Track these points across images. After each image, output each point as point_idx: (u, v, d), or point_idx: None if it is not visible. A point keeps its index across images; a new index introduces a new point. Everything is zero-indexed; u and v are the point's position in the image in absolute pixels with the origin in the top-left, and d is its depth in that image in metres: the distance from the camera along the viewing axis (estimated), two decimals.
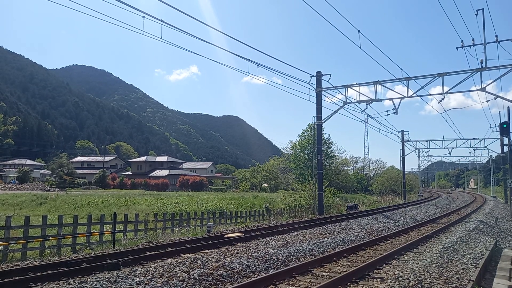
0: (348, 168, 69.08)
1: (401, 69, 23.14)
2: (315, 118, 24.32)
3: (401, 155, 48.11)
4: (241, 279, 7.57)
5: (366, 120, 35.78)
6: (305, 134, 48.40)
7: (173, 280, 7.00)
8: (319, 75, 24.13)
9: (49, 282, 7.07)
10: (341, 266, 8.90)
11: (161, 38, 13.92)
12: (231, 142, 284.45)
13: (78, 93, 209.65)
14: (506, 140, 35.84)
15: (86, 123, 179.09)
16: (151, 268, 7.81)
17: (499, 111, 48.50)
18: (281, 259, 9.18)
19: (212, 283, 7.11)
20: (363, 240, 12.62)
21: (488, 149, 62.31)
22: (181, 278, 7.13)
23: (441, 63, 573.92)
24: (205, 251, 10.58)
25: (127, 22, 13.13)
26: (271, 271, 8.18)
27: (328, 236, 13.36)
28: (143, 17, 12.84)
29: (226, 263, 8.27)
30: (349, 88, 23.64)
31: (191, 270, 7.66)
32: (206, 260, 8.68)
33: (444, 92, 21.16)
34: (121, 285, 6.66)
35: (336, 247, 11.27)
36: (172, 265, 8.08)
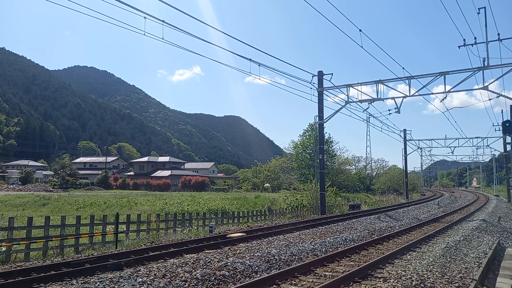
0: (350, 168, 69.08)
1: (403, 68, 23.19)
2: (317, 117, 24.30)
3: (403, 154, 48.02)
4: (244, 279, 7.57)
5: (368, 120, 35.83)
6: (307, 134, 48.37)
7: (175, 280, 7.01)
8: (320, 75, 24.11)
9: (52, 283, 7.09)
10: (344, 266, 8.89)
11: (163, 39, 13.94)
12: (233, 142, 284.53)
13: (80, 94, 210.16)
14: (508, 139, 35.76)
15: (88, 124, 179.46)
16: (153, 269, 7.82)
17: (502, 110, 48.46)
18: (284, 259, 9.18)
19: (215, 283, 7.11)
20: (366, 240, 12.60)
21: (490, 147, 61.90)
22: (183, 278, 7.13)
23: (443, 62, 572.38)
24: (208, 251, 10.59)
25: (128, 22, 13.16)
26: (273, 271, 8.18)
27: (330, 235, 13.34)
28: (145, 17, 12.86)
29: (229, 263, 8.27)
30: (351, 88, 23.58)
31: (193, 270, 7.67)
32: (209, 260, 8.68)
33: (446, 91, 21.10)
34: (124, 285, 6.67)
35: (338, 247, 11.26)
36: (174, 265, 8.09)
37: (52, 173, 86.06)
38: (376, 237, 12.98)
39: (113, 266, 8.39)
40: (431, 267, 8.46)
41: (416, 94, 22.14)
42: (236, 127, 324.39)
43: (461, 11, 18.81)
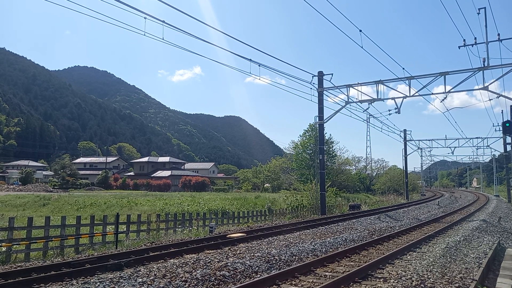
0: (350, 168, 69.04)
1: (403, 68, 23.20)
2: (317, 118, 24.30)
3: (404, 154, 48.03)
4: (244, 279, 7.57)
5: (368, 120, 35.89)
6: (307, 134, 48.39)
7: (175, 280, 7.01)
8: (320, 75, 24.12)
9: (52, 283, 7.09)
10: (344, 266, 8.89)
11: (163, 39, 13.95)
12: (233, 142, 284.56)
13: (80, 94, 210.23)
14: (508, 139, 35.68)
15: (88, 124, 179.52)
16: (154, 269, 7.82)
17: (502, 110, 48.49)
18: (284, 259, 9.18)
19: (215, 284, 7.11)
20: (366, 240, 12.60)
21: (491, 148, 62.04)
22: (183, 278, 7.14)
23: (443, 62, 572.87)
24: (208, 251, 10.59)
25: (128, 23, 13.16)
26: (273, 271, 8.18)
27: (330, 236, 13.34)
28: (145, 18, 12.88)
29: (229, 264, 8.27)
30: (351, 88, 23.58)
31: (193, 271, 7.67)
32: (209, 260, 8.69)
33: (447, 91, 21.10)
34: (124, 285, 6.67)
35: (338, 247, 11.26)
36: (174, 266, 8.09)
37: (52, 173, 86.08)
38: (376, 237, 12.98)
39: (113, 266, 8.39)
40: (431, 267, 8.46)
41: (416, 94, 22.15)
42: (236, 127, 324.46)
43: (461, 11, 18.82)
